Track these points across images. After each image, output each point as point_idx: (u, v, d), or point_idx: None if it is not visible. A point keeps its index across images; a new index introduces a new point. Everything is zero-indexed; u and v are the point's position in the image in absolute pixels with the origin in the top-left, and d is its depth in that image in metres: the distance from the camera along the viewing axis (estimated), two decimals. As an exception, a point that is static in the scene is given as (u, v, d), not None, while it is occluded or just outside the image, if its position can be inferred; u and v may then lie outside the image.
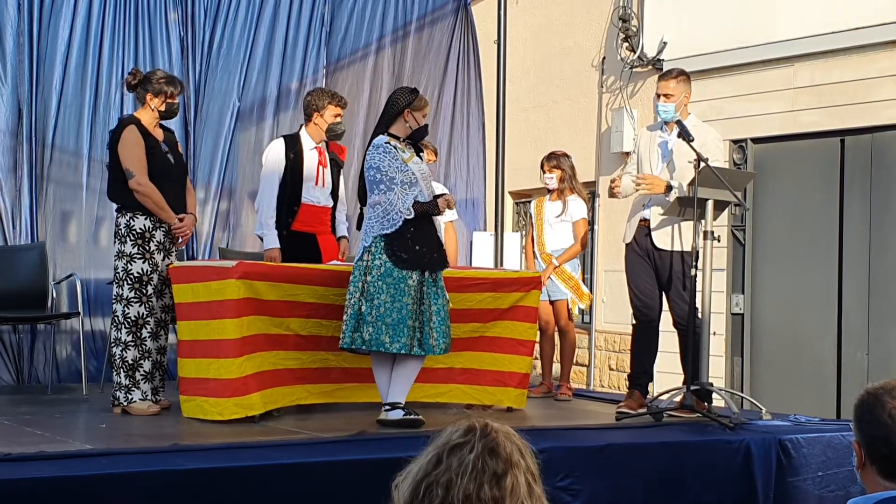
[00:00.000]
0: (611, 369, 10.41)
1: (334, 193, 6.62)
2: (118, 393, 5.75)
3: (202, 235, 8.22)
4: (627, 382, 6.43)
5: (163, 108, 5.94)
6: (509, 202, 11.31)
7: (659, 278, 6.14)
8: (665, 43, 9.94)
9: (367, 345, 5.28)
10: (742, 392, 8.73)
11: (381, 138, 5.47)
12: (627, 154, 9.01)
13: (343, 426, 5.23)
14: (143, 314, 5.75)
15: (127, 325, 5.74)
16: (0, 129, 7.52)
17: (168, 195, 5.84)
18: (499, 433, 1.94)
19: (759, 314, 9.29)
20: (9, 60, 7.55)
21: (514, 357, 6.28)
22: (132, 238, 5.77)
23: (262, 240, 6.51)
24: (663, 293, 6.17)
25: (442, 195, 5.61)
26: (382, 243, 5.32)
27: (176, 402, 5.95)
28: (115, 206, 5.96)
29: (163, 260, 5.86)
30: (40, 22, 7.65)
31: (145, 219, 5.79)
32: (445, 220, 7.18)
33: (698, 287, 5.87)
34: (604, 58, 10.69)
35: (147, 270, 5.77)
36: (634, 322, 6.28)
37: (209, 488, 3.99)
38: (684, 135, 5.81)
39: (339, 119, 6.56)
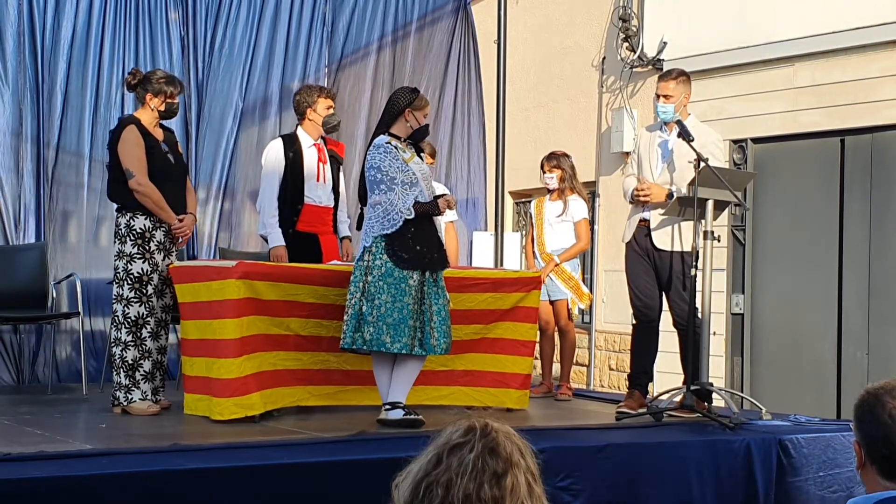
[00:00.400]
0: (611, 369, 10.41)
1: (335, 190, 6.63)
2: (118, 393, 5.75)
3: (203, 235, 8.22)
4: (627, 382, 6.43)
5: (163, 108, 5.94)
6: (509, 202, 11.31)
7: (659, 278, 6.14)
8: (665, 43, 9.95)
9: (368, 345, 5.28)
10: (742, 392, 8.73)
11: (382, 138, 5.48)
12: (627, 154, 9.01)
13: (343, 426, 5.23)
14: (143, 314, 5.75)
15: (127, 325, 5.74)
16: (1, 128, 7.52)
17: (168, 195, 5.84)
18: (499, 433, 1.94)
19: (759, 314, 9.29)
20: (9, 60, 7.55)
21: (515, 358, 6.28)
22: (132, 238, 5.77)
23: (265, 240, 6.51)
24: (663, 293, 6.17)
25: (442, 195, 5.61)
26: (383, 243, 5.32)
27: (176, 402, 5.96)
28: (115, 206, 5.96)
29: (163, 260, 5.86)
30: (42, 22, 7.65)
31: (145, 219, 5.79)
32: (446, 221, 7.19)
33: (698, 287, 5.87)
34: (604, 58, 10.69)
35: (147, 270, 5.77)
36: (634, 322, 6.28)
37: (209, 488, 3.99)
38: (684, 135, 5.81)
39: (332, 111, 6.57)
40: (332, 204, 6.61)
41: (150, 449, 4.50)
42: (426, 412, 5.53)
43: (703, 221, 5.80)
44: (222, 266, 5.67)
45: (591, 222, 8.80)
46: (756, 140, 9.30)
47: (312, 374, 5.77)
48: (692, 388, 5.77)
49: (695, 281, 5.87)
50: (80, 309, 7.10)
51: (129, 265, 5.75)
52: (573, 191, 7.37)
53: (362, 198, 5.56)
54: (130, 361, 5.72)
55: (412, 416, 5.33)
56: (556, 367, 7.55)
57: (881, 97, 8.34)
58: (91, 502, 3.75)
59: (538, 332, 6.91)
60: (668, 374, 7.39)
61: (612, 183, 10.22)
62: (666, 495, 5.04)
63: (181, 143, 6.86)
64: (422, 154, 5.70)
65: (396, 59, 9.31)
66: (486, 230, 9.50)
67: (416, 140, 5.65)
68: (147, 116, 5.93)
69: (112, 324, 5.85)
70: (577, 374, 10.20)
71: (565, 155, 7.45)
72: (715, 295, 6.78)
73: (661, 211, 6.06)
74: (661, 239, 6.10)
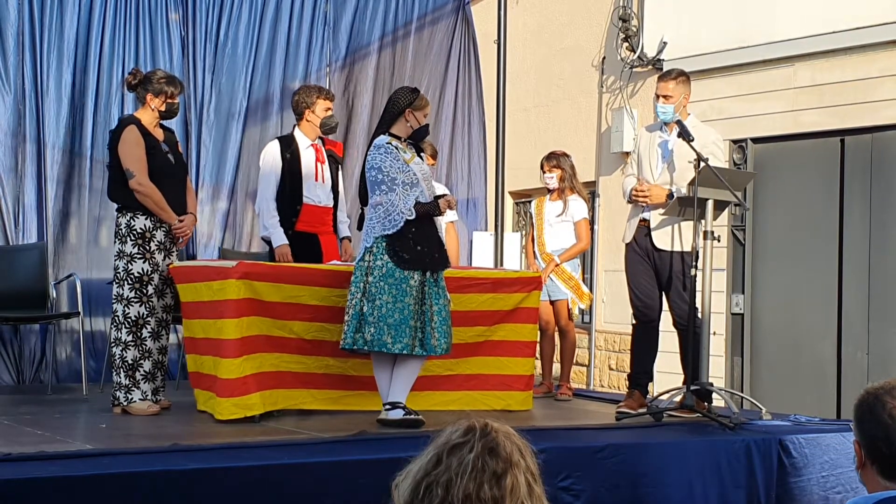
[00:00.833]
0: (611, 369, 10.41)
1: (334, 190, 6.63)
2: (118, 393, 5.75)
3: (203, 236, 8.22)
4: (627, 382, 6.42)
5: (163, 108, 5.94)
6: (509, 202, 11.31)
7: (659, 278, 6.14)
8: (665, 43, 9.94)
9: (369, 345, 5.28)
10: (742, 392, 8.73)
11: (383, 138, 5.47)
12: (627, 154, 9.01)
13: (343, 426, 5.23)
14: (143, 314, 5.75)
15: (127, 325, 5.74)
16: (1, 128, 7.52)
17: (168, 195, 5.84)
18: (498, 433, 1.94)
19: (759, 314, 9.29)
20: (10, 60, 7.55)
21: (517, 359, 6.28)
22: (133, 238, 5.77)
23: (267, 242, 6.51)
24: (663, 293, 6.17)
25: (443, 196, 5.61)
26: (384, 244, 5.32)
27: (176, 402, 5.97)
28: (115, 206, 5.96)
29: (163, 260, 5.86)
30: (42, 22, 7.64)
31: (146, 219, 5.79)
32: (446, 221, 7.19)
33: (698, 287, 5.86)
34: (604, 58, 10.69)
35: (148, 270, 5.77)
36: (634, 322, 6.28)
37: (209, 488, 3.99)
38: (684, 135, 5.81)
39: (330, 112, 6.57)
40: (331, 204, 6.61)
41: (150, 449, 4.50)
42: (428, 414, 5.53)
43: (703, 221, 5.80)
44: (222, 266, 5.68)
45: (591, 222, 8.80)
46: (756, 140, 9.30)
47: (316, 378, 5.75)
48: (692, 388, 5.77)
49: (695, 281, 5.86)
50: (80, 309, 7.10)
51: (129, 265, 5.75)
52: (573, 191, 7.38)
53: (363, 199, 5.56)
54: (130, 361, 5.72)
55: (412, 416, 5.33)
56: (556, 367, 7.55)
57: (881, 97, 8.34)
58: (91, 502, 3.75)
59: (538, 333, 6.91)
60: (668, 374, 7.38)
61: (612, 183, 10.22)
62: (666, 495, 5.04)
63: (181, 143, 6.86)
64: (422, 154, 5.69)
65: (397, 58, 9.31)
66: (486, 230, 9.50)
67: (417, 140, 5.65)
68: (147, 116, 5.93)
69: (112, 324, 5.85)
70: (577, 374, 10.20)
71: (565, 155, 7.45)
72: (715, 295, 6.78)
73: (661, 211, 6.06)
74: (661, 239, 6.10)
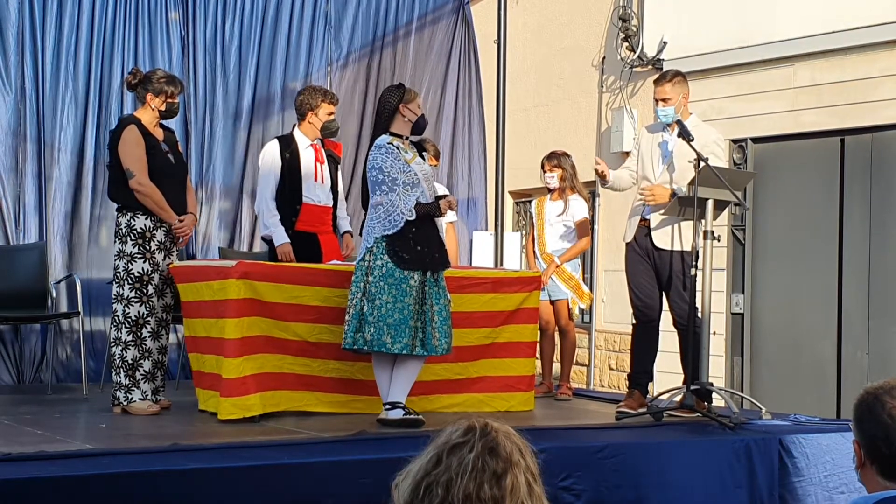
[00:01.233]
0: (611, 369, 10.41)
1: (334, 190, 6.63)
2: (118, 393, 5.75)
3: (203, 235, 8.22)
4: (627, 382, 6.42)
5: (163, 108, 5.94)
6: (509, 202, 11.31)
7: (659, 278, 6.14)
8: (665, 43, 9.94)
9: (369, 345, 5.28)
10: (742, 392, 8.73)
11: (384, 138, 5.47)
12: (627, 154, 9.01)
13: (343, 426, 5.23)
14: (143, 314, 5.75)
15: (127, 325, 5.74)
16: (2, 128, 7.52)
17: (168, 195, 5.84)
18: (498, 433, 1.94)
19: (759, 314, 9.29)
20: (10, 60, 7.55)
21: (519, 360, 6.28)
22: (133, 238, 5.77)
23: (267, 242, 6.51)
24: (663, 293, 6.17)
25: (444, 196, 5.61)
26: (384, 244, 5.32)
27: (176, 402, 5.97)
28: (115, 205, 5.96)
29: (164, 259, 5.86)
30: (42, 22, 7.65)
31: (146, 218, 5.79)
32: (446, 221, 7.18)
33: (698, 287, 5.86)
34: (604, 58, 10.69)
35: (148, 270, 5.77)
36: (634, 322, 6.28)
37: (209, 488, 3.99)
38: (684, 134, 5.81)
39: (332, 117, 6.57)
40: (331, 203, 6.61)
41: (150, 449, 4.50)
42: (430, 416, 5.52)
43: (703, 221, 5.80)
44: (222, 266, 5.68)
45: (592, 222, 8.80)
46: (756, 140, 9.30)
47: (322, 382, 5.72)
48: (692, 387, 5.77)
49: (695, 281, 5.87)
50: (80, 309, 7.10)
51: (129, 265, 5.75)
52: (574, 190, 7.38)
53: (364, 201, 5.55)
54: (130, 361, 5.72)
55: (412, 416, 5.33)
56: (556, 367, 7.55)
57: (881, 97, 8.34)
58: (91, 502, 3.75)
59: (538, 332, 6.92)
60: (668, 374, 7.38)
61: (613, 183, 10.21)
62: (667, 495, 5.04)
63: (181, 142, 6.86)
64: (424, 154, 5.69)
65: (399, 58, 9.31)
66: (486, 230, 9.50)
67: (419, 132, 5.65)
68: (147, 116, 5.93)
69: (112, 323, 5.85)
70: (577, 374, 10.20)
71: (566, 154, 7.45)
72: (715, 295, 6.78)
73: (662, 211, 6.06)
74: (662, 238, 6.10)
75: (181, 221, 5.89)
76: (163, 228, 5.85)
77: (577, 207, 7.34)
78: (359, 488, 4.18)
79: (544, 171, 7.40)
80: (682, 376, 6.09)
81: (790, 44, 8.90)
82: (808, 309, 8.88)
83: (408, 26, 9.36)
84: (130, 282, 5.74)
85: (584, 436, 5.30)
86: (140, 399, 5.73)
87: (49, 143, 7.66)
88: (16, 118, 7.57)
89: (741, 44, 9.24)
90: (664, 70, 6.71)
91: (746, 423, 5.64)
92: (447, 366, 5.98)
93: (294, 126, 6.67)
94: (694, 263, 5.83)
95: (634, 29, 10.28)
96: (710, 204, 5.78)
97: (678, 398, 5.99)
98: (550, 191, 7.43)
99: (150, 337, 5.78)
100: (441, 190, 6.20)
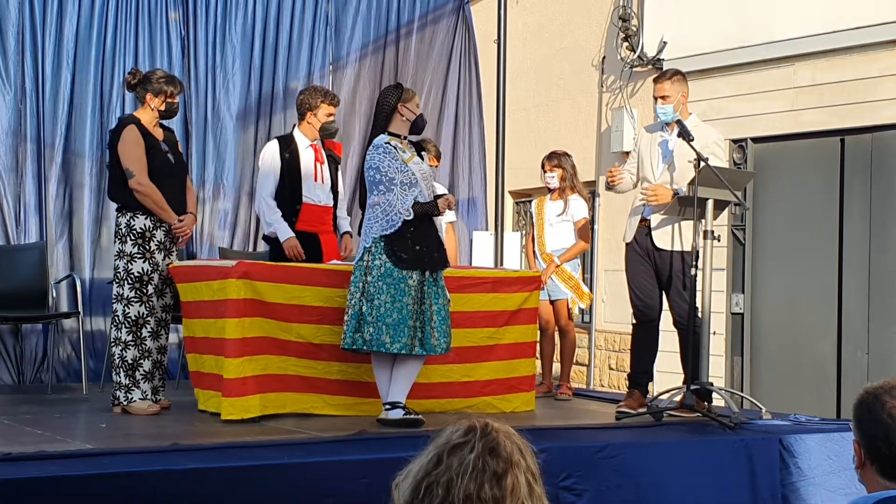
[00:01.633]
0: (611, 369, 10.41)
1: (334, 190, 6.63)
2: (118, 392, 5.75)
3: (203, 235, 8.22)
4: (627, 382, 6.42)
5: (163, 108, 5.94)
6: (509, 202, 11.31)
7: (659, 278, 6.14)
8: (665, 43, 9.94)
9: (368, 345, 5.28)
10: (742, 392, 8.73)
11: (382, 138, 5.47)
12: (627, 154, 9.01)
13: (343, 426, 5.23)
14: (143, 314, 5.75)
15: (127, 325, 5.74)
16: (2, 128, 7.52)
17: (168, 195, 5.84)
18: (499, 433, 1.94)
19: (759, 314, 9.29)
20: (10, 60, 7.55)
21: (520, 360, 6.28)
22: (133, 237, 5.77)
23: (269, 242, 6.50)
24: (663, 293, 6.17)
25: (442, 195, 5.60)
26: (382, 244, 5.32)
27: (176, 402, 5.97)
28: (115, 205, 5.96)
29: (163, 259, 5.86)
30: (42, 22, 7.65)
31: (146, 218, 5.79)
32: (446, 221, 7.18)
33: (698, 287, 5.86)
34: (604, 57, 10.69)
35: (148, 270, 5.77)
36: (634, 322, 6.28)
37: (209, 488, 3.99)
38: (684, 134, 5.81)
39: (332, 118, 6.57)
40: (331, 203, 6.61)
41: (150, 449, 4.50)
42: (430, 416, 5.52)
43: (703, 221, 5.80)
44: (222, 266, 5.68)
45: (592, 222, 8.80)
46: (756, 140, 9.30)
47: (328, 384, 5.69)
48: (692, 387, 5.77)
49: (695, 280, 5.86)
50: (80, 309, 7.10)
51: (129, 265, 5.75)
52: (574, 190, 7.38)
53: (362, 201, 5.55)
54: (130, 361, 5.72)
55: (412, 416, 5.32)
56: (556, 367, 7.55)
57: (881, 97, 8.34)
58: (91, 502, 3.75)
59: (538, 332, 6.92)
60: (668, 374, 7.39)
61: (613, 183, 10.20)
62: (667, 495, 5.04)
63: (181, 142, 6.86)
64: (423, 154, 5.68)
65: (400, 58, 9.30)
66: (486, 230, 9.50)
67: (418, 132, 5.65)
68: (147, 116, 5.93)
69: (112, 323, 5.85)
70: (577, 374, 10.20)
71: (566, 154, 7.45)
72: (715, 294, 6.78)
73: (662, 210, 6.06)
74: (662, 238, 6.09)
75: (181, 221, 5.89)
76: (162, 228, 5.85)
77: (577, 207, 7.34)
78: (359, 488, 4.18)
79: (544, 171, 7.40)
80: (682, 376, 6.09)
81: (790, 44, 8.90)
82: (808, 309, 8.88)
83: (408, 26, 9.36)
84: (130, 282, 5.74)
85: (584, 436, 5.30)
86: (140, 399, 5.73)
87: (49, 143, 7.66)
88: (16, 118, 7.57)
89: (741, 44, 9.24)
90: (665, 70, 6.70)
91: (746, 422, 5.64)
92: (454, 367, 5.96)
93: (294, 126, 6.67)
94: (694, 263, 5.83)
95: (634, 29, 10.28)
96: (710, 204, 5.78)
97: (678, 398, 5.99)
98: (550, 191, 7.44)
99: (149, 337, 5.78)
100: (440, 190, 6.19)
